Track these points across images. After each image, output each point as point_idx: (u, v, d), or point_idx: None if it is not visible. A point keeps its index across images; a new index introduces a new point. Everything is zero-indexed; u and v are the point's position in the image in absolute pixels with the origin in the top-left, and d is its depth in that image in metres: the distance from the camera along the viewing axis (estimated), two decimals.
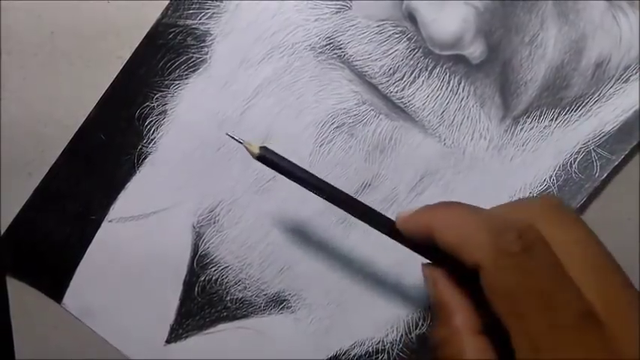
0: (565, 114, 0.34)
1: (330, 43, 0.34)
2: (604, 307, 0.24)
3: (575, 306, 0.23)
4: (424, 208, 0.28)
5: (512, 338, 0.24)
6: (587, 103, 0.34)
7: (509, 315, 0.24)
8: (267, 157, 0.29)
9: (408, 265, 0.35)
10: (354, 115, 0.35)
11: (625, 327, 0.23)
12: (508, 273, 0.24)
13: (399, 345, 0.36)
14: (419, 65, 0.34)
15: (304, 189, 0.30)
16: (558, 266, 0.24)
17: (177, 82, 0.35)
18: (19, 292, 0.38)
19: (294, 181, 0.30)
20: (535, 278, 0.24)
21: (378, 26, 0.34)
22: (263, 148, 0.29)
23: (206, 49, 0.35)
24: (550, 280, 0.24)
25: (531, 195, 0.35)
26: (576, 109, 0.34)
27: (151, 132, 0.36)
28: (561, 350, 0.23)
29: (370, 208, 0.29)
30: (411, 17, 0.34)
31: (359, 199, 0.29)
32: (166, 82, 0.35)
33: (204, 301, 0.36)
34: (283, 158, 0.29)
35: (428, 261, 0.29)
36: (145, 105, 0.35)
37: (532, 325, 0.24)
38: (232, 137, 0.30)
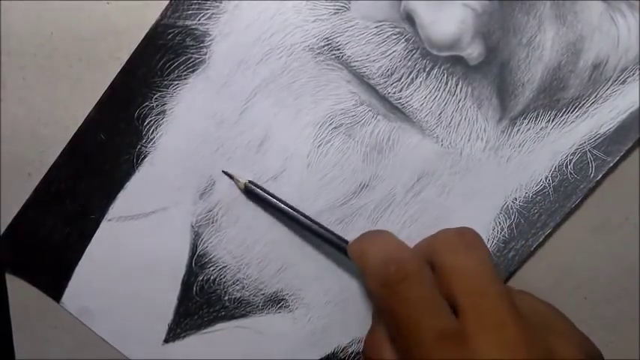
0: (562, 115, 0.34)
1: (328, 44, 0.35)
2: (476, 327, 0.28)
3: (436, 326, 0.28)
4: (360, 236, 0.33)
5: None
6: (583, 104, 0.34)
7: (391, 333, 0.30)
8: (253, 191, 0.35)
9: None
10: (352, 115, 0.35)
11: (489, 346, 0.27)
12: (386, 300, 0.30)
13: None
14: (417, 66, 0.34)
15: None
16: (429, 294, 0.29)
17: (177, 82, 0.35)
18: (18, 291, 0.38)
19: (277, 213, 0.35)
20: (406, 305, 0.29)
21: (376, 27, 0.34)
22: (249, 182, 0.35)
23: (205, 50, 0.35)
24: (417, 307, 0.29)
25: (526, 194, 0.35)
26: (573, 111, 0.34)
27: (150, 132, 0.36)
28: None
29: (340, 237, 0.34)
30: (409, 18, 0.34)
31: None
32: (165, 83, 0.35)
33: (203, 300, 0.37)
34: (267, 192, 0.35)
35: None
36: (144, 105, 0.36)
37: (402, 345, 0.29)
38: (225, 173, 0.35)
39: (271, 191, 0.35)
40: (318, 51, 0.35)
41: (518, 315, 0.28)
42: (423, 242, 0.33)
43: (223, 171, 0.35)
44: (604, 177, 0.34)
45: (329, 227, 0.35)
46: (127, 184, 0.36)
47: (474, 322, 0.28)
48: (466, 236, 0.31)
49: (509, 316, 0.28)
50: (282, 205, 0.35)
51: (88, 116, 0.36)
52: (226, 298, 0.36)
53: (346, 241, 0.34)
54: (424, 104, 0.34)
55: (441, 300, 0.29)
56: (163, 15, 0.35)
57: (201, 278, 0.36)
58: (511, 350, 0.27)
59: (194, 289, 0.36)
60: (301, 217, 0.34)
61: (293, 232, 0.36)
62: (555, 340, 0.29)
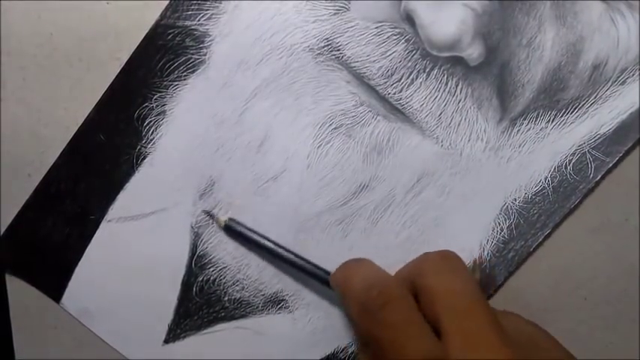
0: (561, 116, 0.34)
1: (328, 45, 0.35)
2: (459, 349, 0.27)
3: (420, 350, 0.27)
4: (342, 265, 0.34)
5: None
6: (583, 105, 0.34)
7: (379, 356, 0.30)
8: (233, 228, 0.35)
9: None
10: (352, 116, 0.35)
11: None
12: (369, 326, 0.30)
13: None
14: (417, 67, 0.34)
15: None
16: (412, 318, 0.29)
17: (176, 82, 0.35)
18: (18, 292, 0.38)
19: (259, 249, 0.35)
20: (389, 330, 0.29)
21: (376, 28, 0.34)
22: (230, 220, 0.35)
23: (205, 50, 0.35)
24: (401, 331, 0.28)
25: (526, 195, 0.35)
26: (573, 111, 0.34)
27: (150, 132, 0.36)
28: None
29: (322, 269, 0.34)
30: (410, 19, 0.34)
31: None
32: (165, 83, 0.35)
33: (203, 301, 0.37)
34: (248, 228, 0.35)
35: None
36: (144, 106, 0.36)
37: None
38: (206, 212, 0.36)
39: (268, 192, 0.35)
40: (319, 51, 0.35)
41: (504, 335, 0.28)
42: (406, 267, 0.34)
43: (203, 211, 0.36)
44: (603, 177, 0.34)
45: (329, 228, 0.35)
46: (127, 184, 0.36)
47: (459, 344, 0.27)
48: (450, 259, 0.31)
49: (496, 337, 0.28)
50: (264, 242, 0.35)
51: (88, 116, 0.36)
52: (226, 298, 0.37)
53: (328, 273, 0.34)
54: (424, 105, 0.34)
55: (424, 324, 0.29)
56: (163, 15, 0.35)
57: (201, 279, 0.36)
58: None
59: (194, 289, 0.37)
60: (284, 253, 0.35)
61: (293, 231, 0.36)
62: (541, 358, 0.29)
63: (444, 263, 0.31)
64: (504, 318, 0.31)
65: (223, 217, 0.35)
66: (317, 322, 0.36)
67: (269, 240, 0.35)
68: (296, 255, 0.35)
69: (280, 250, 0.35)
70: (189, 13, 0.35)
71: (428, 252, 0.33)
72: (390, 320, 0.29)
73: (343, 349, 0.37)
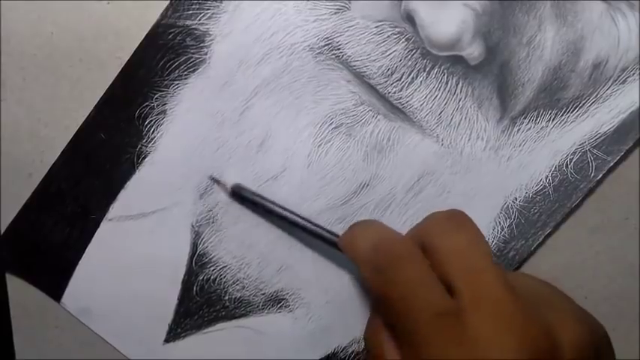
0: (562, 115, 0.34)
1: (328, 44, 0.35)
2: (471, 305, 0.27)
3: (432, 306, 0.28)
4: (349, 227, 0.33)
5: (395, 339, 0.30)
6: (584, 104, 0.34)
7: (388, 318, 0.30)
8: (241, 194, 0.35)
9: None
10: (353, 115, 0.35)
11: (486, 323, 0.27)
12: (379, 285, 0.30)
13: None
14: (417, 66, 0.34)
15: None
16: (422, 274, 0.29)
17: (177, 82, 0.35)
18: (19, 291, 0.38)
19: (267, 214, 0.35)
20: (400, 287, 0.29)
21: (376, 27, 0.34)
22: (236, 186, 0.35)
23: (205, 50, 0.35)
24: (411, 287, 0.28)
25: (526, 194, 0.35)
26: (573, 110, 0.34)
27: (151, 132, 0.36)
28: (423, 346, 0.27)
29: (331, 232, 0.34)
30: (410, 18, 0.34)
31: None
32: (166, 82, 0.35)
33: (203, 300, 0.37)
34: (255, 193, 0.35)
35: None
36: (144, 105, 0.36)
37: (400, 329, 0.29)
38: (212, 179, 0.36)
39: (268, 192, 0.35)
40: (319, 51, 0.35)
41: (514, 291, 0.28)
42: (414, 228, 0.33)
43: (210, 177, 0.35)
44: (604, 177, 0.34)
45: (329, 227, 0.35)
46: (128, 183, 0.36)
47: (469, 300, 0.27)
48: (456, 217, 0.31)
49: (505, 293, 0.27)
50: (272, 206, 0.35)
51: (88, 116, 0.36)
52: (226, 297, 0.36)
53: (337, 235, 0.34)
54: (424, 104, 0.34)
55: (434, 280, 0.29)
56: (163, 15, 0.35)
57: (201, 278, 0.36)
58: (508, 326, 0.27)
59: (194, 288, 0.36)
60: (291, 216, 0.34)
61: (293, 230, 0.36)
62: (555, 316, 0.28)
63: (449, 222, 0.31)
64: (516, 277, 0.31)
65: (229, 184, 0.35)
66: (317, 321, 0.36)
67: (277, 204, 0.35)
68: (304, 218, 0.34)
69: (289, 214, 0.35)
70: (190, 12, 0.35)
71: (435, 211, 0.33)
72: (401, 277, 0.29)
73: (344, 349, 0.37)
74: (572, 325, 0.28)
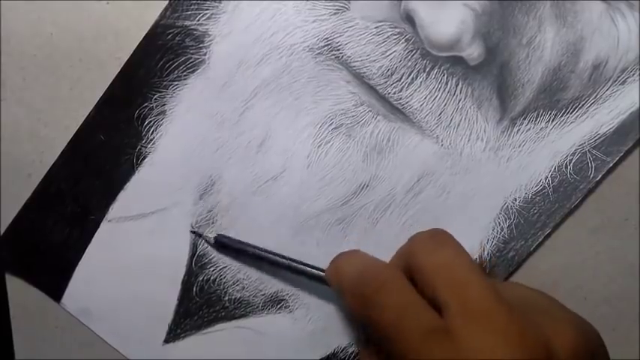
0: (562, 115, 0.34)
1: (328, 44, 0.35)
2: (460, 318, 0.27)
3: (420, 326, 0.27)
4: (333, 259, 0.34)
5: None
6: (583, 104, 0.34)
7: (380, 346, 0.30)
8: (223, 242, 0.35)
9: None
10: (352, 116, 0.35)
11: (477, 335, 0.27)
12: (367, 313, 0.30)
13: None
14: (417, 66, 0.34)
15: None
16: (407, 297, 0.29)
17: (176, 82, 0.35)
18: (19, 291, 0.38)
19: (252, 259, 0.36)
20: (387, 312, 0.29)
21: (376, 27, 0.34)
22: (219, 235, 0.36)
23: (205, 50, 0.35)
24: (398, 310, 0.28)
25: (526, 195, 0.35)
26: (573, 111, 0.34)
27: (150, 132, 0.36)
28: None
29: (316, 268, 0.34)
30: (409, 18, 0.34)
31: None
32: (165, 83, 0.35)
33: (203, 300, 0.37)
34: (238, 241, 0.35)
35: None
36: (144, 105, 0.36)
37: (391, 351, 0.29)
38: (193, 232, 0.36)
39: (268, 192, 0.35)
40: (318, 51, 0.35)
41: (505, 301, 0.27)
42: (398, 251, 0.33)
43: (191, 231, 0.36)
44: (604, 177, 0.34)
45: (328, 228, 0.35)
46: (127, 184, 0.36)
47: (458, 314, 0.27)
48: (438, 235, 0.31)
49: (495, 303, 0.27)
50: (255, 251, 0.35)
51: (88, 116, 0.36)
52: (226, 298, 0.36)
53: (323, 270, 0.34)
54: (424, 104, 0.34)
55: (421, 301, 0.29)
56: (163, 15, 0.35)
57: (201, 278, 0.36)
58: (502, 338, 0.26)
59: (194, 289, 0.37)
60: (276, 258, 0.35)
61: (293, 231, 0.36)
62: (549, 324, 0.28)
63: (432, 240, 0.31)
64: (505, 287, 0.31)
65: (212, 235, 0.36)
66: (317, 322, 0.36)
67: (260, 249, 0.35)
68: (290, 259, 0.35)
69: (274, 257, 0.35)
70: (189, 12, 0.35)
71: (417, 232, 0.33)
72: (387, 302, 0.29)
73: (343, 349, 0.37)
74: (567, 332, 0.28)
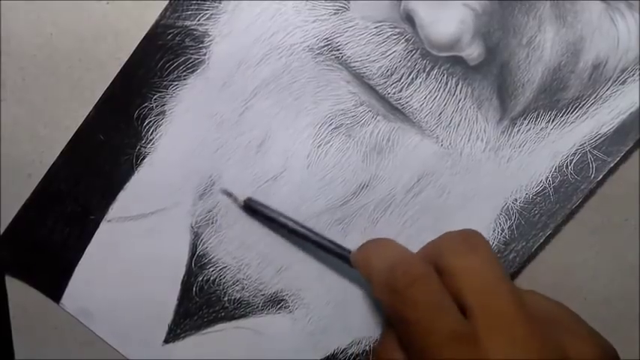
0: (562, 116, 0.34)
1: (328, 44, 0.35)
2: (485, 327, 0.28)
3: (447, 328, 0.28)
4: (363, 245, 0.34)
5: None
6: (583, 104, 0.34)
7: (402, 339, 0.30)
8: (252, 206, 0.35)
9: None
10: (352, 116, 0.35)
11: (500, 345, 0.27)
12: (395, 306, 0.30)
13: None
14: (417, 67, 0.34)
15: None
16: (437, 296, 0.29)
17: (176, 82, 0.35)
18: (18, 292, 0.38)
19: (277, 227, 0.35)
20: (416, 309, 0.29)
21: (376, 27, 0.34)
22: (248, 199, 0.35)
23: (204, 50, 0.35)
24: (427, 310, 0.29)
25: (526, 195, 0.35)
26: (573, 111, 0.34)
27: (150, 132, 0.36)
28: None
29: (342, 247, 0.34)
30: (409, 19, 0.34)
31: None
32: (165, 83, 0.35)
33: (202, 301, 0.37)
34: (267, 207, 0.35)
35: None
36: (143, 106, 0.36)
37: (414, 349, 0.29)
38: (225, 192, 0.36)
39: (267, 193, 0.35)
40: (318, 51, 0.35)
41: (528, 313, 0.28)
42: (427, 246, 0.33)
43: (222, 190, 0.35)
44: (604, 178, 0.34)
45: (328, 228, 0.35)
46: (127, 184, 0.36)
47: (484, 322, 0.28)
48: (470, 238, 0.31)
49: (519, 315, 0.28)
50: (284, 220, 0.35)
51: (87, 116, 0.36)
52: (226, 298, 0.36)
53: (349, 251, 0.34)
54: (424, 104, 0.34)
55: (450, 302, 0.29)
56: (163, 15, 0.35)
57: (200, 279, 0.36)
58: (522, 349, 0.27)
59: (194, 289, 0.37)
60: (303, 230, 0.35)
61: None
62: (568, 339, 0.28)
63: (463, 243, 0.31)
64: (529, 297, 0.31)
65: (242, 197, 0.35)
66: (317, 322, 0.36)
67: (288, 218, 0.35)
68: (316, 233, 0.34)
69: (300, 228, 0.35)
70: (189, 13, 0.35)
71: (449, 231, 0.33)
72: (417, 299, 0.29)
73: (343, 350, 0.37)
74: (585, 347, 0.29)
